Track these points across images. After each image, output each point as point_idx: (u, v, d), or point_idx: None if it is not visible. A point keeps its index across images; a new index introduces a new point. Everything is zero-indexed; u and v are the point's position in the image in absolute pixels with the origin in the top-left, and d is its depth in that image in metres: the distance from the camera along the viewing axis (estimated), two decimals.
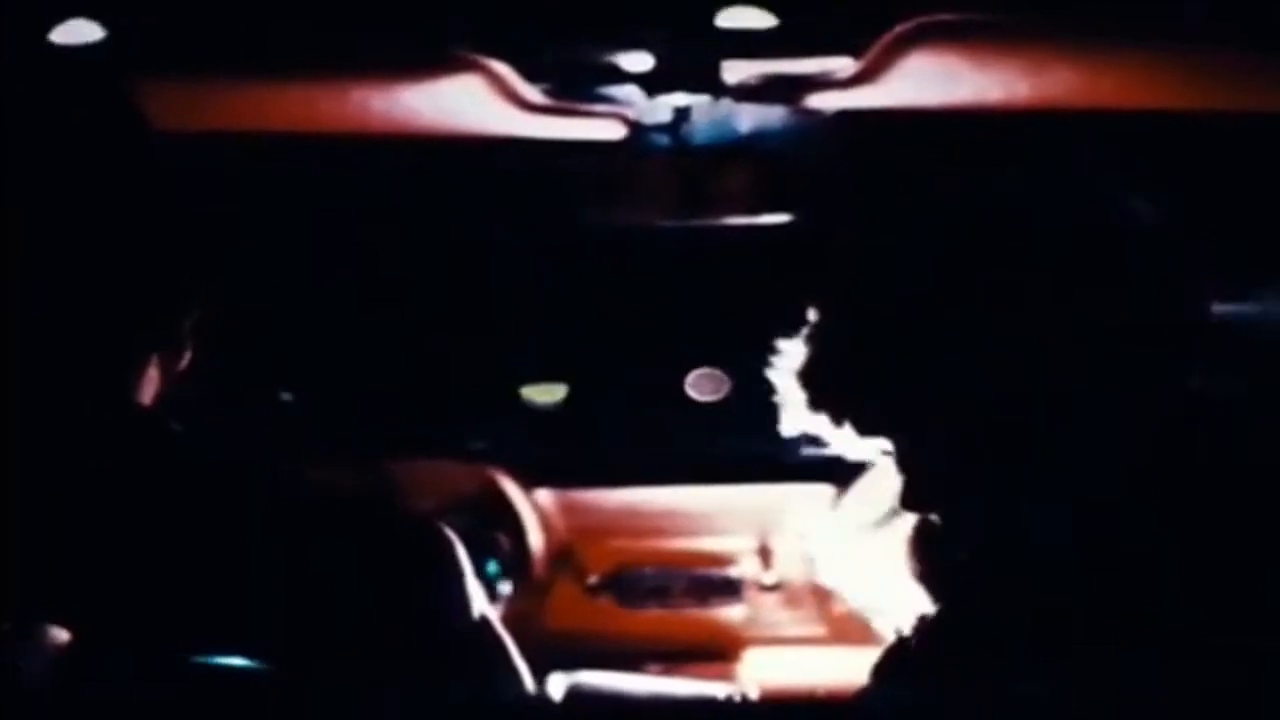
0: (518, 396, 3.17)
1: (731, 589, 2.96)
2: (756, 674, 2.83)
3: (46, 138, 1.25)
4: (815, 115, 2.65)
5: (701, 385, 2.78)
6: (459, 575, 1.28)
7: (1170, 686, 1.23)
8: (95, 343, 1.26)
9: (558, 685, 1.41)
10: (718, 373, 2.51)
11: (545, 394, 3.16)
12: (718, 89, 2.64)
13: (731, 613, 2.95)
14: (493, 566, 2.81)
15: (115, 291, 1.26)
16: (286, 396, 3.04)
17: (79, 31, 2.14)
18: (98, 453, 1.24)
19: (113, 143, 1.27)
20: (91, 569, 1.21)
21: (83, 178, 1.25)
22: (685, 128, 2.83)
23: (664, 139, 2.84)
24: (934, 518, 1.38)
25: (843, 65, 2.49)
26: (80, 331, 1.25)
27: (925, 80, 2.37)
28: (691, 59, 2.60)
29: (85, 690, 1.17)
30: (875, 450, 1.41)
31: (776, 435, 1.45)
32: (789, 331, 1.43)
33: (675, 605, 2.96)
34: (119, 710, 1.18)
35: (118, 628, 1.20)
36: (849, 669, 1.40)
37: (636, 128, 2.74)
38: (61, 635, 1.14)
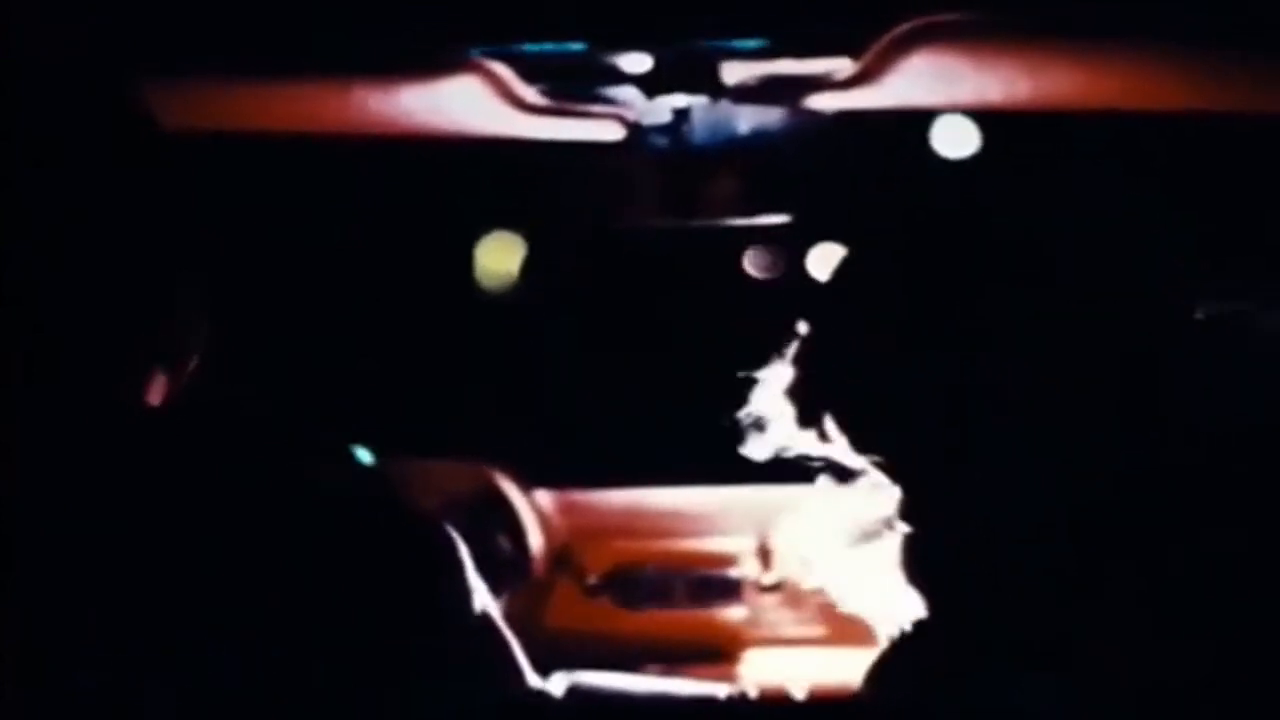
0: (517, 396, 3.18)
1: (731, 589, 2.96)
2: (756, 674, 2.83)
3: (49, 138, 1.25)
4: (814, 116, 2.65)
5: (759, 260, 2.74)
6: (461, 574, 1.28)
7: (1167, 688, 1.23)
8: (95, 343, 1.26)
9: (557, 685, 1.41)
10: (776, 248, 2.47)
11: None
12: (717, 90, 2.64)
13: (731, 613, 2.96)
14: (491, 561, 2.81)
15: (115, 291, 1.26)
16: (285, 396, 3.04)
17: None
18: (101, 452, 1.24)
19: (115, 143, 1.28)
20: (93, 567, 1.21)
21: (85, 177, 1.25)
22: (684, 129, 2.83)
23: (663, 140, 2.84)
24: (933, 520, 1.38)
25: (841, 66, 2.49)
26: (81, 332, 1.25)
27: (924, 81, 2.37)
28: (690, 60, 2.60)
29: (83, 688, 1.17)
30: (874, 453, 1.41)
31: (776, 436, 1.45)
32: (788, 332, 1.43)
33: (675, 606, 2.96)
34: (116, 708, 1.18)
35: (116, 626, 1.20)
36: (849, 669, 1.40)
37: (635, 129, 2.74)
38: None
